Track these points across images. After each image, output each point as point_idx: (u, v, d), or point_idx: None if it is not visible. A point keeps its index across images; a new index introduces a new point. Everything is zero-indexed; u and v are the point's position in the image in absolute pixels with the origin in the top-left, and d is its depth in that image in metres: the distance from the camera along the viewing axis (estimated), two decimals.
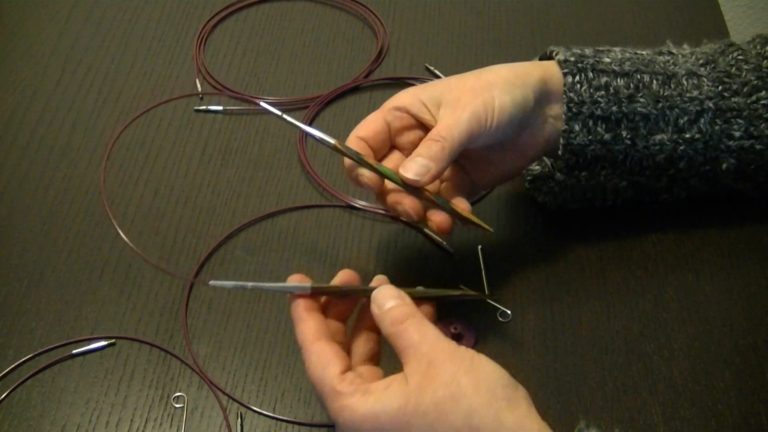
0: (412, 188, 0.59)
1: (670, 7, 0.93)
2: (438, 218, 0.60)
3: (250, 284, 0.53)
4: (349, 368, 0.51)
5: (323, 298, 0.55)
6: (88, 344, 0.63)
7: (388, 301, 0.52)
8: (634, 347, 0.63)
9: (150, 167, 0.76)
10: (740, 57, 0.67)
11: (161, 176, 0.75)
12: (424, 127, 0.62)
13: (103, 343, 0.63)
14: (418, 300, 0.54)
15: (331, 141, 0.59)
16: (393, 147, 0.63)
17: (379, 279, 0.55)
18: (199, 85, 0.83)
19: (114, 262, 0.68)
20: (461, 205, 0.61)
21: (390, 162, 0.62)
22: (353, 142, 0.61)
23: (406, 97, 0.62)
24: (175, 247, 0.70)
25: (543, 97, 0.63)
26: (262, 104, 0.63)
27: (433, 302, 0.57)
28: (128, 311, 0.65)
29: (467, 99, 0.60)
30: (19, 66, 0.86)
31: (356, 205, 0.73)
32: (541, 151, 0.66)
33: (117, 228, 0.69)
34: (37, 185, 0.74)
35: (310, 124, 0.79)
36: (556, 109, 0.64)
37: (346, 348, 0.55)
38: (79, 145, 0.78)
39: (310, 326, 0.52)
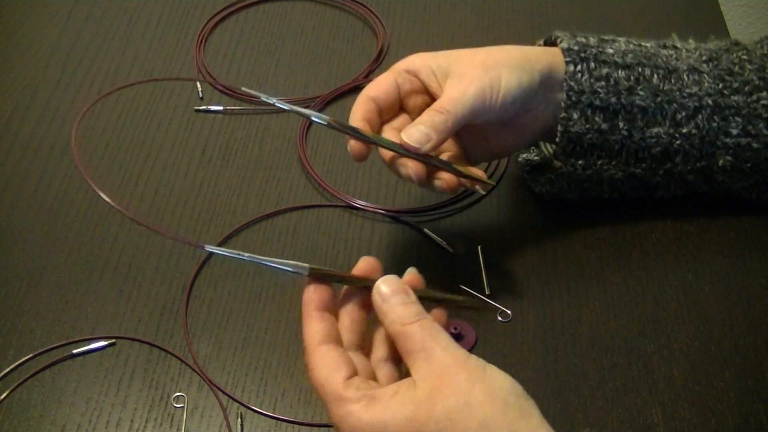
0: (411, 154, 0.60)
1: (670, 8, 0.92)
2: (445, 176, 0.60)
3: (246, 255, 0.51)
4: (355, 374, 0.48)
5: (342, 293, 0.53)
6: (88, 344, 0.63)
7: (394, 295, 0.50)
8: (634, 347, 0.63)
9: (150, 167, 0.76)
10: (744, 57, 0.67)
11: (161, 176, 0.75)
12: (431, 93, 0.63)
13: (103, 343, 0.63)
14: (425, 302, 0.52)
15: (325, 118, 0.60)
16: (402, 109, 0.64)
17: (366, 260, 0.53)
18: (199, 85, 0.83)
19: (114, 262, 0.68)
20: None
21: (398, 122, 0.63)
22: (363, 100, 0.62)
23: (418, 62, 0.63)
24: (175, 247, 0.69)
25: (548, 83, 0.64)
26: (244, 89, 0.64)
27: (443, 306, 0.54)
28: (128, 311, 0.65)
29: (475, 74, 0.61)
30: (19, 66, 0.86)
31: (356, 205, 0.73)
32: (539, 135, 0.67)
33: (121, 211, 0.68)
34: (37, 185, 0.74)
35: (309, 125, 0.80)
36: (559, 96, 0.64)
37: (366, 342, 0.52)
38: (79, 145, 0.78)
39: (318, 328, 0.50)
